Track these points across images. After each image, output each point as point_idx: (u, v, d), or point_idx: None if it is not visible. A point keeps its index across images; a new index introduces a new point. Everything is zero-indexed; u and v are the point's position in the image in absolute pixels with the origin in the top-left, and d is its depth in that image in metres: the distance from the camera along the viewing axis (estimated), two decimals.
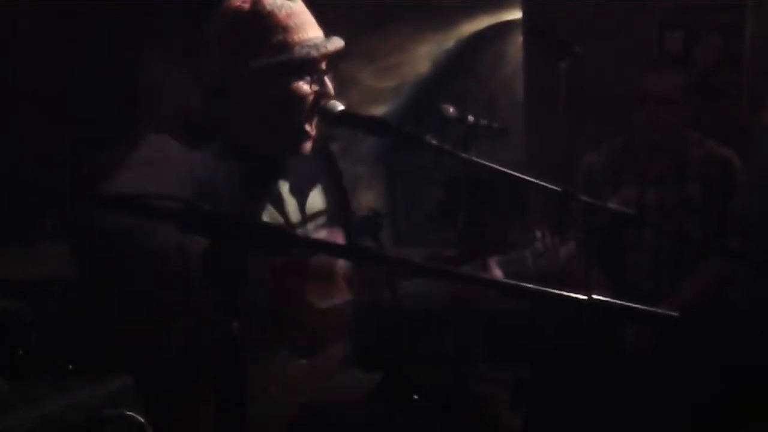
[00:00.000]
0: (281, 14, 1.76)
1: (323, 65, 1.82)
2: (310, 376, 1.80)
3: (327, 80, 1.81)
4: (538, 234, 2.13)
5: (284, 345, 1.77)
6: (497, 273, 2.04)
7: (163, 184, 1.60)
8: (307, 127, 1.83)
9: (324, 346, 1.84)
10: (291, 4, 1.79)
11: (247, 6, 1.77)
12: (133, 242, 1.50)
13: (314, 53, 1.76)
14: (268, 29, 1.76)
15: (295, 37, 1.76)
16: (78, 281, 1.58)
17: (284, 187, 1.88)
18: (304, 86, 1.78)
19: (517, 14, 4.73)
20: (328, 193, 1.99)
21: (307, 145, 1.85)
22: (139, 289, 1.54)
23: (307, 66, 1.78)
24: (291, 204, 1.88)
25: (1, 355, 2.54)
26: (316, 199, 1.95)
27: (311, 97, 1.79)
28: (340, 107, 1.78)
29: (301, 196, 1.91)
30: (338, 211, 2.01)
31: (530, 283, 1.15)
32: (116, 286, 1.53)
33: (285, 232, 1.18)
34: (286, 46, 1.76)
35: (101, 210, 1.47)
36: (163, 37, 4.47)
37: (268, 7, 1.77)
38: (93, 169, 1.60)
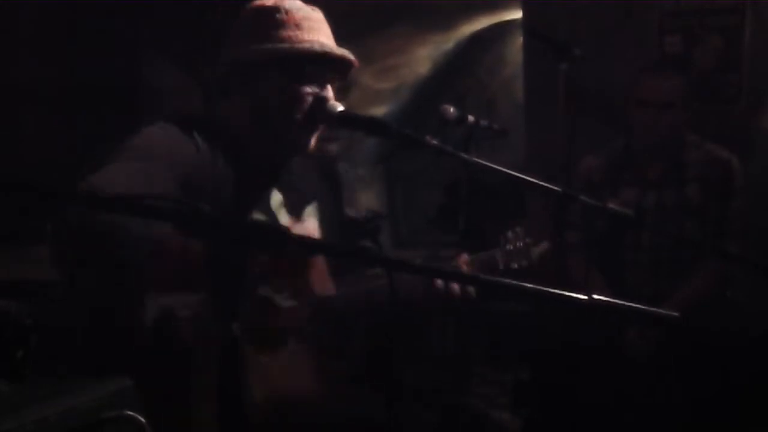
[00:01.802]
0: (294, 14, 1.80)
1: (327, 71, 1.82)
2: (271, 372, 1.75)
3: (328, 86, 1.82)
4: (510, 235, 2.09)
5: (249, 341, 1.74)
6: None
7: (151, 178, 1.59)
8: (310, 127, 1.82)
9: (284, 345, 1.80)
10: (309, 10, 1.84)
11: (267, 2, 1.83)
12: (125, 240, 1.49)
13: (306, 46, 1.77)
14: (278, 23, 1.79)
15: (299, 36, 1.78)
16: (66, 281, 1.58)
17: (275, 199, 1.88)
18: (301, 87, 1.79)
19: (516, 14, 4.73)
20: (323, 211, 1.98)
21: (312, 141, 1.84)
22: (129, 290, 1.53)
23: (303, 64, 1.78)
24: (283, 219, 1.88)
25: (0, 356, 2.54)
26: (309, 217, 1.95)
27: (308, 98, 1.79)
28: (340, 108, 1.77)
29: (295, 215, 1.90)
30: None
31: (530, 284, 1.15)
32: (101, 287, 1.53)
33: (280, 231, 1.17)
34: (289, 41, 1.77)
35: (95, 210, 1.46)
36: (162, 40, 4.48)
37: (287, 5, 1.82)
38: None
